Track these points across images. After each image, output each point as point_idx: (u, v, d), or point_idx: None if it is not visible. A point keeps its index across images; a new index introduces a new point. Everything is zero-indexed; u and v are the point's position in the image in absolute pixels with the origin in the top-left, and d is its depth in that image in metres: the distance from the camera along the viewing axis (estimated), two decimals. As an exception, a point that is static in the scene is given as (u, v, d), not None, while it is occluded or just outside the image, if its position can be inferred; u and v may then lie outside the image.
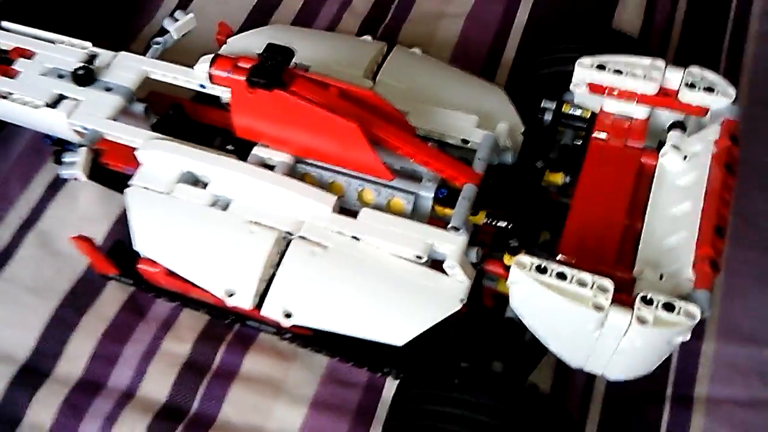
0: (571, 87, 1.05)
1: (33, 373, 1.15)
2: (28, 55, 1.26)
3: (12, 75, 1.24)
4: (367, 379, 1.11)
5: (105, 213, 1.30)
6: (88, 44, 1.26)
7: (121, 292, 1.21)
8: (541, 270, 0.86)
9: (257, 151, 1.10)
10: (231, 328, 1.17)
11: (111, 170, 1.23)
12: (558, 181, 1.06)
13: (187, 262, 1.05)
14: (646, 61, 1.01)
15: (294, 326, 1.01)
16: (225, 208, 1.06)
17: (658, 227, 0.93)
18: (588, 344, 0.88)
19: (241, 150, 1.13)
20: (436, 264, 1.00)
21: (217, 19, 1.33)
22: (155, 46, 1.25)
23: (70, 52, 1.25)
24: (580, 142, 1.09)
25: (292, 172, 1.08)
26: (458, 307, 0.96)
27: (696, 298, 0.83)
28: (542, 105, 1.13)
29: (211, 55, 1.15)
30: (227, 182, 1.07)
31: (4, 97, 1.21)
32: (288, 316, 1.00)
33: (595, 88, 1.03)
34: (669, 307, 0.82)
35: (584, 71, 1.02)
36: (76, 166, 1.11)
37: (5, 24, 1.30)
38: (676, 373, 1.08)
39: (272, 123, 1.06)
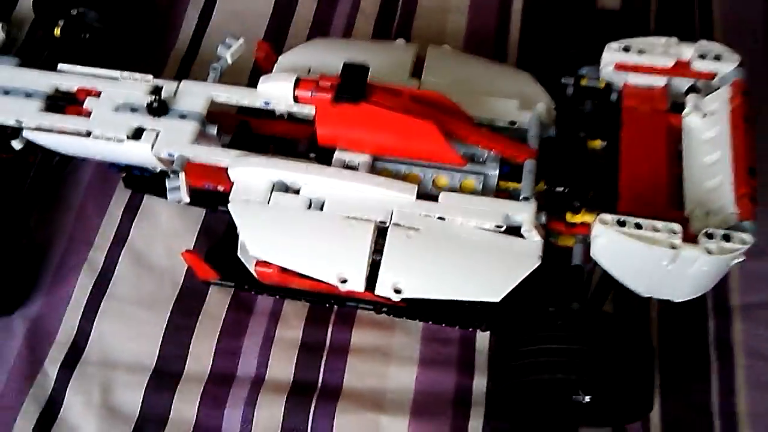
0: (601, 67, 1.24)
1: (166, 376, 1.30)
2: (94, 93, 1.37)
3: (85, 114, 1.35)
4: (460, 335, 1.31)
5: (186, 227, 1.43)
6: (150, 77, 1.37)
7: (223, 294, 1.36)
8: (621, 223, 1.06)
9: (339, 155, 1.25)
10: (332, 310, 1.33)
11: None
12: (597, 146, 1.27)
13: (300, 259, 1.20)
14: (662, 40, 1.21)
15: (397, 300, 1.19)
16: (320, 208, 1.22)
17: (696, 174, 1.15)
18: (661, 276, 1.10)
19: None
20: (511, 230, 1.19)
21: (237, 36, 1.46)
22: (213, 72, 1.38)
23: (136, 85, 1.35)
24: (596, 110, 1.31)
25: (372, 170, 1.25)
26: (538, 263, 1.16)
27: (745, 227, 1.05)
28: (562, 81, 1.32)
29: (274, 75, 1.30)
30: (318, 186, 1.23)
31: (86, 136, 1.32)
32: (398, 291, 1.17)
33: (622, 67, 1.23)
34: (726, 238, 1.04)
35: (612, 54, 1.22)
36: (179, 190, 1.24)
37: (62, 66, 1.39)
38: (713, 290, 1.31)
39: (353, 130, 1.22)
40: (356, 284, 1.18)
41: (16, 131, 1.37)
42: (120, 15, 1.58)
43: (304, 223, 1.22)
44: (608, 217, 1.07)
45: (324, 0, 1.71)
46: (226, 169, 1.28)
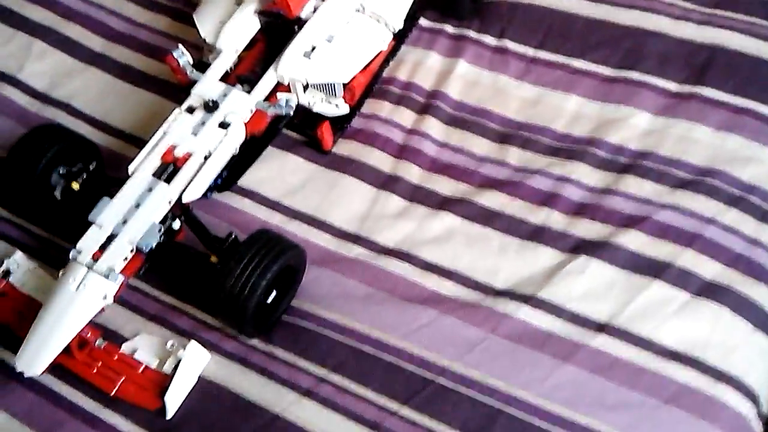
0: None
1: (393, 182, 1.84)
2: (171, 148, 1.72)
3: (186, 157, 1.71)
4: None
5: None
6: (177, 108, 1.77)
7: (342, 141, 1.93)
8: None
9: (305, 13, 1.85)
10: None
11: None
12: None
13: (362, 59, 1.86)
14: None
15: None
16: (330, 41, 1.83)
17: None
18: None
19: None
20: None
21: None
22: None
23: (180, 119, 1.73)
24: None
25: (322, 1, 1.90)
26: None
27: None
28: None
29: (231, 23, 1.85)
30: (321, 29, 1.83)
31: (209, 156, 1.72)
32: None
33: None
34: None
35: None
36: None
37: (131, 169, 1.69)
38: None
39: (302, -11, 1.85)
40: (390, 36, 1.92)
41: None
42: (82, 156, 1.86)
43: (340, 45, 1.83)
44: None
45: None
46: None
